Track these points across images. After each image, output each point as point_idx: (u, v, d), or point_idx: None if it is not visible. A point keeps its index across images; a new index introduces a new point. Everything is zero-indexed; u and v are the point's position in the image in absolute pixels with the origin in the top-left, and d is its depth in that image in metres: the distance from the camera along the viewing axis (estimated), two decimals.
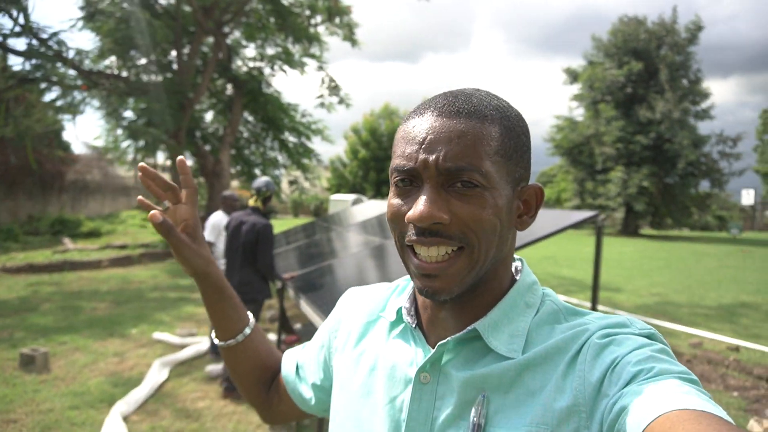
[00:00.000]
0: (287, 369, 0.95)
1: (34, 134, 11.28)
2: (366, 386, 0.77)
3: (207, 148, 14.78)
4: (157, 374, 4.55)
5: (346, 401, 0.79)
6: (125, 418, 3.74)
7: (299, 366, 0.94)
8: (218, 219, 5.44)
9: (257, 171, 16.54)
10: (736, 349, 6.05)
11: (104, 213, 20.91)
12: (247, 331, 0.92)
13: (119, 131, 14.10)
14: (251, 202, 4.54)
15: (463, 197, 0.62)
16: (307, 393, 0.91)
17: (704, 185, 31.08)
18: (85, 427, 3.65)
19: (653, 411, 0.48)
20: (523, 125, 0.69)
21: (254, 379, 0.96)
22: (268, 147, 16.81)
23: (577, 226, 4.05)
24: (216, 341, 0.93)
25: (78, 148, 24.51)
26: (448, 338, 0.68)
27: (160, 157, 15.47)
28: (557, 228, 3.85)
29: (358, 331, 0.84)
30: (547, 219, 4.18)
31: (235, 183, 18.60)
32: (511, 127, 0.65)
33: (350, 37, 14.37)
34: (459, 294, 0.66)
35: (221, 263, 5.15)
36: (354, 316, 0.86)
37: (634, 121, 28.96)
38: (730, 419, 0.47)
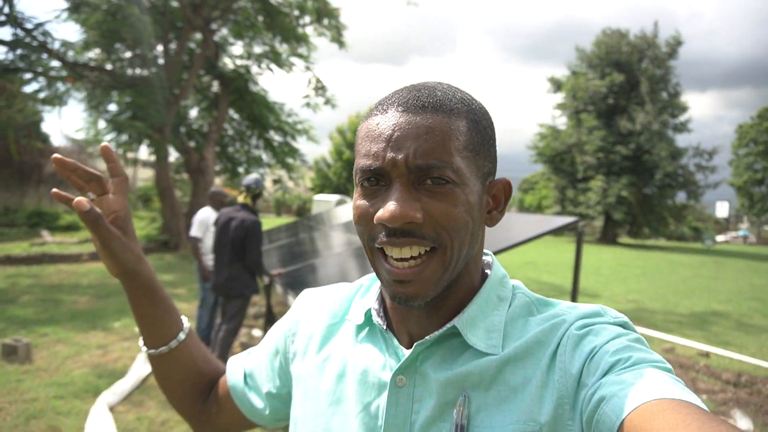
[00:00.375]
0: (234, 378, 0.87)
1: (15, 125, 11.14)
2: (335, 394, 0.72)
3: (192, 144, 14.72)
4: (142, 366, 4.58)
5: (312, 410, 0.74)
6: (111, 408, 3.77)
7: (248, 374, 0.86)
8: (206, 215, 5.48)
9: (241, 169, 16.50)
10: (707, 355, 6.27)
11: None
12: (182, 336, 0.83)
13: (102, 124, 13.98)
14: (241, 199, 4.60)
15: (435, 195, 0.60)
16: (259, 403, 0.84)
17: (681, 197, 31.82)
18: (71, 416, 3.67)
19: (633, 401, 0.49)
20: (488, 118, 0.67)
21: (188, 389, 0.86)
22: (253, 145, 16.80)
23: (557, 232, 4.16)
24: (144, 349, 0.83)
25: (58, 141, 24.15)
26: (426, 337, 0.65)
27: (143, 152, 15.36)
28: (538, 232, 3.97)
29: (320, 334, 0.78)
30: (528, 223, 4.30)
31: (218, 180, 18.52)
32: (478, 121, 0.64)
33: (338, 39, 14.42)
34: (433, 297, 0.63)
35: (209, 258, 5.19)
36: (314, 318, 0.80)
37: (615, 131, 29.50)
38: (705, 407, 0.48)
